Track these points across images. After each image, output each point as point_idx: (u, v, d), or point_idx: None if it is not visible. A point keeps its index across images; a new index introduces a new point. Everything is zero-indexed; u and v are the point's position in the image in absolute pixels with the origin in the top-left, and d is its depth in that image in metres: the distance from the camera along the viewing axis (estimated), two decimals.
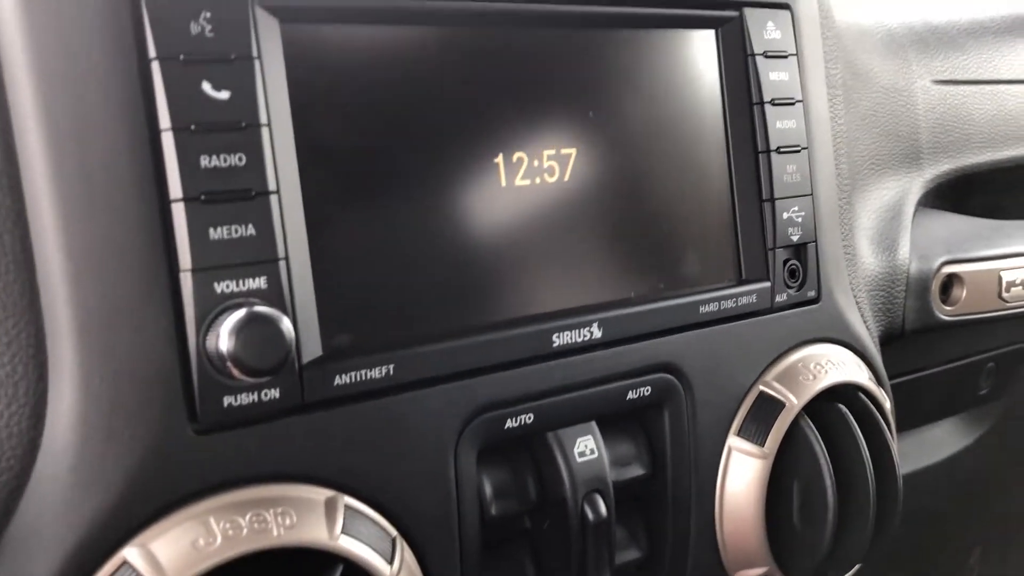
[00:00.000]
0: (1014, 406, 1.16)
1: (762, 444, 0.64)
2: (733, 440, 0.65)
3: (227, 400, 0.47)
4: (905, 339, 0.88)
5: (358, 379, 0.50)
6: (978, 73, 0.99)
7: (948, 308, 0.87)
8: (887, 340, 0.84)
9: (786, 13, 0.68)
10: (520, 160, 0.57)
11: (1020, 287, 0.91)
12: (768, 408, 0.65)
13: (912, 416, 1.08)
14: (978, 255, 0.89)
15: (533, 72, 0.57)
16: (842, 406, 0.67)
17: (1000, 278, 0.90)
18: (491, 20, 0.56)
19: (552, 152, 0.58)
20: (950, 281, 0.88)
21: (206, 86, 0.46)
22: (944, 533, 1.22)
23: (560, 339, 0.57)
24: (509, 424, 0.56)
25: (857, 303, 0.76)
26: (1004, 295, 0.90)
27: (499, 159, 0.56)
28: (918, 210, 0.91)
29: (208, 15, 0.46)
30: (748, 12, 0.65)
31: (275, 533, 0.46)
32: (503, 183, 0.56)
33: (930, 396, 1.07)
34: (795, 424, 0.65)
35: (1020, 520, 1.29)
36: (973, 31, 1.02)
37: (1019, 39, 1.05)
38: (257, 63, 0.48)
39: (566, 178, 0.59)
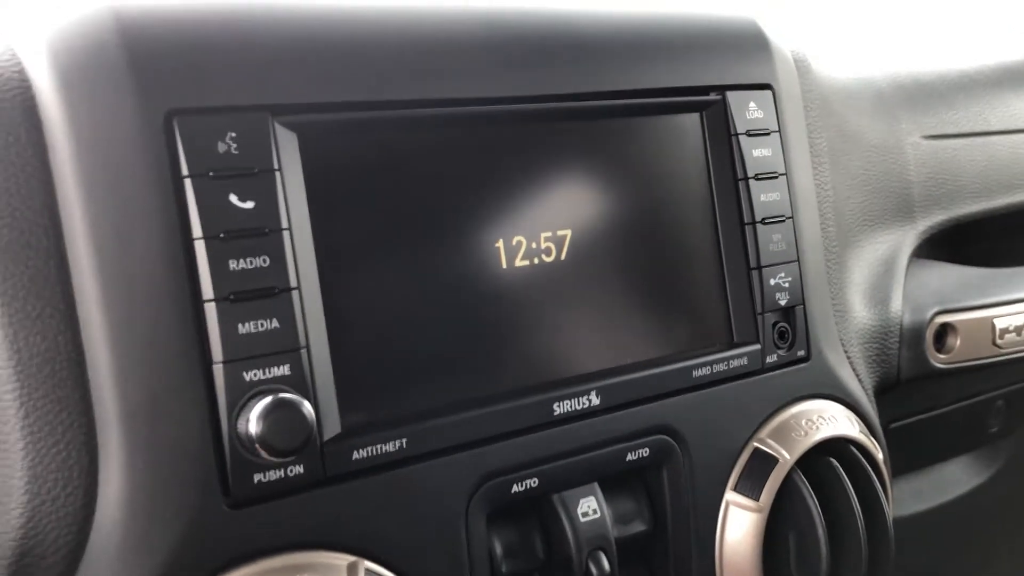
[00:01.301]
0: None
1: (757, 498, 0.69)
2: (730, 495, 0.69)
3: (256, 477, 0.52)
4: (906, 385, 0.91)
5: (374, 453, 0.55)
6: (968, 126, 1.03)
7: (943, 356, 0.91)
8: (883, 390, 0.88)
9: (767, 93, 0.73)
10: (519, 243, 0.62)
11: (1013, 333, 0.94)
12: (762, 464, 0.69)
13: (923, 456, 1.10)
14: (971, 304, 0.93)
15: (528, 163, 0.63)
16: (833, 460, 0.71)
17: (993, 325, 0.93)
18: (488, 120, 0.61)
19: (549, 234, 0.63)
20: (944, 330, 0.91)
21: (233, 197, 0.52)
22: (960, 571, 1.23)
23: (560, 407, 0.62)
24: (515, 488, 0.61)
25: (849, 357, 0.80)
26: (998, 342, 0.93)
27: (499, 243, 0.61)
28: (912, 261, 0.95)
29: (233, 134, 0.52)
30: (731, 95, 0.70)
31: None
32: (504, 265, 0.62)
33: (940, 435, 1.09)
34: (788, 478, 0.69)
35: None
36: (962, 85, 1.06)
37: (1008, 91, 1.08)
38: (278, 174, 0.53)
39: (563, 257, 0.64)
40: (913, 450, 1.06)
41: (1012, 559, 1.27)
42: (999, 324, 0.93)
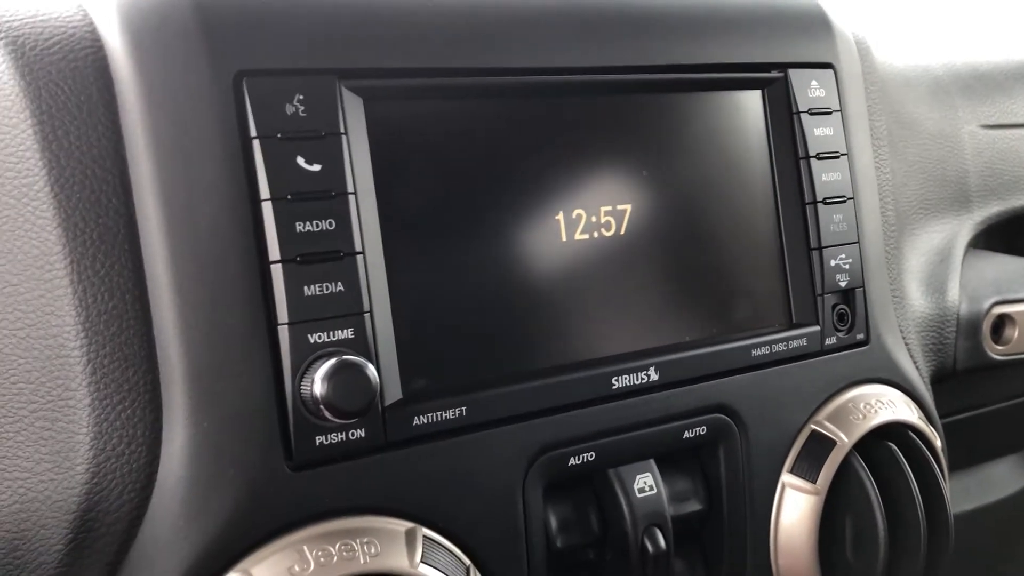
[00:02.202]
0: None
1: (814, 481, 0.68)
2: (786, 477, 0.68)
3: (319, 439, 0.52)
4: (960, 377, 0.90)
5: (434, 420, 0.55)
6: None
7: (1000, 348, 0.89)
8: (939, 379, 0.87)
9: (829, 72, 0.72)
10: (579, 216, 0.62)
11: None
12: (820, 446, 0.68)
13: (972, 453, 1.08)
14: None
15: (590, 136, 0.62)
16: (892, 444, 0.70)
17: None
18: (552, 91, 0.61)
19: (609, 208, 0.63)
20: (1001, 321, 0.90)
21: (300, 160, 0.52)
22: (1004, 571, 1.21)
23: (619, 382, 0.62)
24: (572, 462, 0.60)
25: (907, 344, 0.79)
26: None
27: (560, 216, 0.61)
28: (968, 251, 0.93)
29: (301, 97, 0.52)
30: (792, 73, 0.70)
31: (362, 561, 0.51)
32: (563, 238, 0.61)
33: (989, 433, 1.08)
34: (846, 461, 0.68)
35: None
36: (1020, 75, 1.04)
37: None
38: (344, 138, 0.53)
39: (622, 232, 0.63)
40: (961, 447, 1.04)
41: None
42: None
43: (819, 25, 0.72)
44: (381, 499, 0.54)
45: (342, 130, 0.53)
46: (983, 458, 1.12)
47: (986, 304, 0.89)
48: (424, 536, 0.54)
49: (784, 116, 0.69)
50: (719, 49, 0.67)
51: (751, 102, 0.69)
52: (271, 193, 0.51)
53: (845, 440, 0.68)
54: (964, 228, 0.93)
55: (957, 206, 0.93)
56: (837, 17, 0.75)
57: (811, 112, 0.70)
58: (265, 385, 0.51)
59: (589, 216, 0.62)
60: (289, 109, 0.52)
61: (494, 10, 0.60)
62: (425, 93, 0.57)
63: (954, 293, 0.87)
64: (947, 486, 0.72)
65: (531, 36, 0.60)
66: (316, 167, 0.53)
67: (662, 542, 0.62)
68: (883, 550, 0.67)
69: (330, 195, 0.53)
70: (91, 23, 0.53)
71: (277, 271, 0.51)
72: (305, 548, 0.51)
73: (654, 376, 0.63)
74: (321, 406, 0.51)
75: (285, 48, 0.53)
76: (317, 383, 0.51)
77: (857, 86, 0.75)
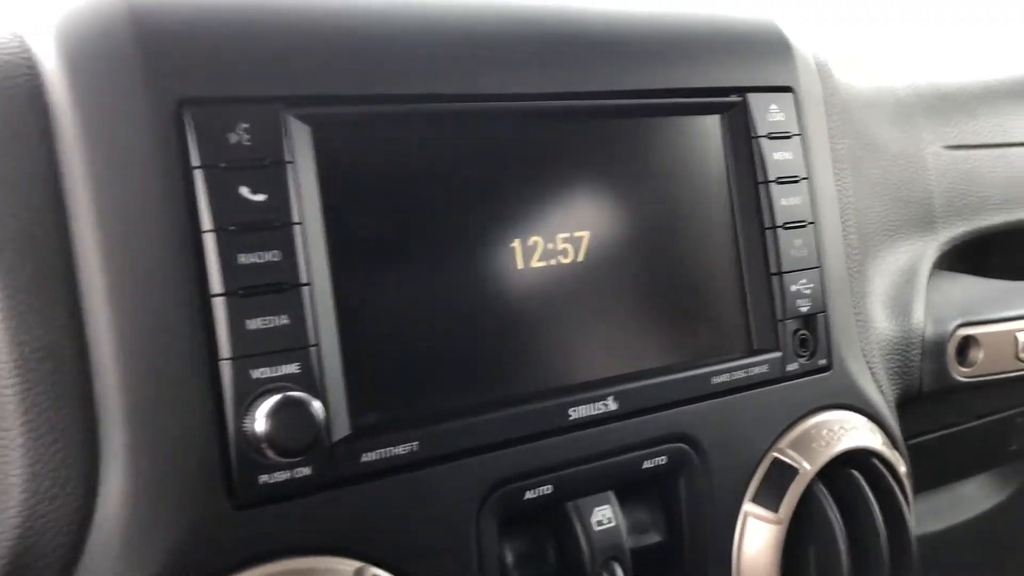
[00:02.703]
0: None
1: (777, 510, 0.67)
2: (748, 506, 0.67)
3: (262, 478, 0.51)
4: (926, 399, 0.89)
5: (384, 455, 0.54)
6: (990, 137, 1.01)
7: (965, 370, 0.89)
8: (905, 402, 0.86)
9: (789, 95, 0.71)
10: (536, 243, 0.61)
11: None
12: (782, 474, 0.67)
13: (942, 473, 1.08)
14: (994, 317, 0.91)
15: (547, 162, 0.61)
16: (855, 472, 0.69)
17: (1016, 339, 0.91)
18: (508, 118, 0.60)
19: (566, 235, 0.62)
20: (966, 343, 0.89)
21: (244, 190, 0.51)
22: None
23: (576, 413, 0.60)
24: (528, 495, 0.59)
25: (871, 368, 0.79)
26: (1021, 355, 0.91)
27: (516, 244, 0.60)
28: (934, 273, 0.93)
29: (245, 125, 0.51)
30: (751, 97, 0.69)
31: None
32: (520, 265, 0.60)
33: (960, 453, 1.07)
34: (809, 490, 0.67)
35: None
36: (983, 96, 1.04)
37: None
38: (290, 167, 0.52)
39: (580, 259, 0.62)
40: (931, 467, 1.04)
41: None
42: (1022, 337, 0.91)
43: (778, 48, 0.72)
44: (328, 538, 0.53)
45: (288, 159, 0.52)
46: (953, 478, 1.12)
47: (951, 326, 0.88)
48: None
49: (743, 141, 0.69)
50: (677, 74, 0.66)
51: (710, 127, 0.68)
52: (213, 224, 0.50)
53: (808, 468, 0.67)
54: (929, 249, 0.93)
55: (922, 227, 0.93)
56: (797, 40, 0.74)
57: (770, 136, 0.69)
58: (206, 422, 0.50)
59: (546, 243, 0.61)
60: (233, 138, 0.51)
61: (447, 35, 0.59)
62: (376, 120, 0.55)
63: (919, 315, 0.87)
64: (911, 513, 0.71)
65: (484, 61, 0.59)
66: (260, 197, 0.51)
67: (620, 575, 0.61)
68: None
69: (274, 225, 0.51)
70: (26, 48, 0.51)
71: (219, 304, 0.50)
72: None
73: (612, 406, 0.62)
74: (263, 444, 0.49)
75: (229, 75, 0.51)
76: (259, 420, 0.49)
77: (818, 109, 0.74)
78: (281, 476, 0.51)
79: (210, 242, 0.50)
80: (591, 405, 0.61)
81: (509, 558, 0.59)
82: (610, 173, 0.64)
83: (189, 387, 0.49)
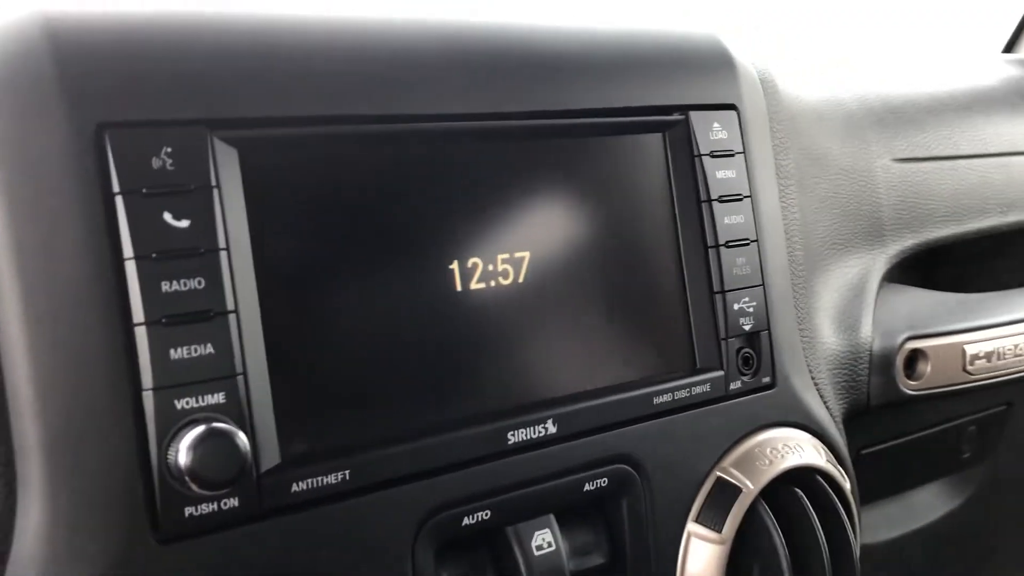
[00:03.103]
0: (997, 469, 1.18)
1: (720, 530, 0.66)
2: (692, 526, 0.67)
3: (188, 510, 0.49)
4: (876, 412, 0.90)
5: (315, 485, 0.53)
6: (938, 150, 1.02)
7: (913, 383, 0.89)
8: (852, 416, 0.86)
9: (732, 113, 0.71)
10: (475, 265, 0.60)
11: (984, 360, 0.92)
12: (725, 494, 0.67)
13: (895, 482, 1.09)
14: (941, 330, 0.91)
15: (486, 182, 0.61)
16: (798, 490, 0.69)
17: (964, 351, 0.92)
18: (444, 138, 0.59)
19: (506, 256, 0.61)
20: (914, 356, 0.90)
21: (167, 216, 0.50)
22: None
23: (515, 436, 0.60)
24: (466, 521, 0.58)
25: (817, 383, 0.79)
26: (968, 368, 0.92)
27: (454, 265, 0.59)
28: (883, 285, 0.93)
29: (169, 150, 0.50)
30: (694, 115, 0.69)
31: None
32: (459, 288, 0.59)
33: (912, 461, 1.08)
34: (752, 509, 0.67)
35: None
36: (932, 108, 1.05)
37: (977, 114, 1.08)
38: (216, 191, 0.51)
39: (520, 280, 0.62)
40: (885, 476, 1.05)
41: None
42: (969, 350, 0.92)
43: (721, 65, 0.72)
44: (259, 571, 0.51)
45: (213, 183, 0.51)
46: (906, 486, 1.13)
47: (899, 339, 0.89)
48: None
49: (686, 159, 0.68)
50: (618, 92, 0.65)
51: (652, 145, 0.68)
52: (135, 251, 0.49)
53: (751, 487, 0.67)
54: (878, 262, 0.94)
55: (871, 240, 0.93)
56: (741, 55, 0.74)
57: (713, 155, 0.69)
58: (128, 454, 0.48)
59: (486, 265, 0.60)
60: (156, 163, 0.50)
61: (379, 54, 0.58)
62: (305, 143, 0.54)
63: (867, 329, 0.87)
64: (856, 529, 0.72)
65: (419, 81, 0.58)
66: (184, 223, 0.50)
67: None
68: None
69: (199, 252, 0.50)
70: None
71: (141, 333, 0.49)
72: None
73: (552, 429, 0.61)
74: (187, 476, 0.48)
75: (151, 98, 0.50)
76: (182, 453, 0.48)
77: (762, 126, 0.74)
78: (207, 508, 0.50)
79: (132, 270, 0.49)
80: (530, 428, 0.60)
81: None
82: (551, 193, 0.63)
83: (110, 418, 0.48)
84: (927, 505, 1.17)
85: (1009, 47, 1.43)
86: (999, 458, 1.17)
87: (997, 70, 1.18)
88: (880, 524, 1.10)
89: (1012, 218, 1.06)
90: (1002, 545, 1.24)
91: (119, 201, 0.49)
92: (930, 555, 1.16)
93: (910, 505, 1.15)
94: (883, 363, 0.87)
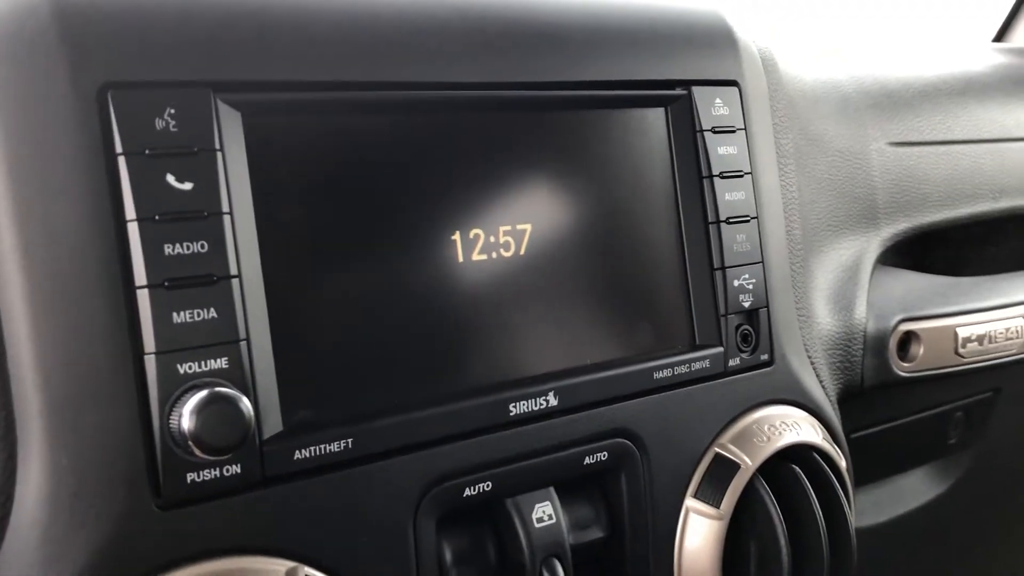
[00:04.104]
0: (984, 455, 1.18)
1: (718, 505, 0.66)
2: (690, 502, 0.67)
3: (190, 476, 0.49)
4: (868, 394, 0.90)
5: (318, 453, 0.52)
6: (932, 135, 1.02)
7: (906, 365, 0.90)
8: (846, 397, 0.87)
9: (733, 90, 0.71)
10: (477, 236, 0.60)
11: (976, 343, 0.93)
12: (723, 470, 0.67)
13: (883, 467, 1.09)
14: (934, 312, 0.92)
15: (488, 153, 0.60)
16: (796, 467, 0.69)
17: (956, 334, 0.92)
18: (448, 107, 0.59)
19: (508, 228, 0.61)
20: (908, 338, 0.90)
21: (170, 178, 0.49)
22: None
23: (516, 408, 0.59)
24: (467, 492, 0.58)
25: (812, 363, 0.79)
26: (960, 351, 0.92)
27: (456, 236, 0.59)
28: (876, 268, 0.94)
29: (172, 111, 0.49)
30: (696, 90, 0.68)
31: None
32: (460, 259, 0.59)
33: (900, 446, 1.09)
34: (750, 485, 0.67)
35: (995, 567, 1.30)
36: (927, 93, 1.06)
37: (971, 100, 1.08)
38: (219, 155, 0.50)
39: (522, 252, 0.61)
40: (873, 461, 1.05)
41: (971, 570, 1.27)
42: (962, 333, 0.92)
43: (724, 41, 0.72)
44: (260, 538, 0.51)
45: (217, 146, 0.50)
46: (894, 471, 1.13)
47: (893, 321, 0.89)
48: None
49: (687, 134, 0.68)
50: (621, 66, 0.65)
51: (654, 120, 0.67)
52: (137, 213, 0.48)
53: (749, 463, 0.67)
54: (872, 245, 0.94)
55: (865, 223, 0.94)
56: (743, 33, 0.74)
57: (715, 130, 0.69)
58: (131, 419, 0.48)
59: (487, 236, 0.60)
60: (159, 124, 0.49)
61: (386, 21, 0.57)
62: (310, 108, 0.54)
63: (861, 311, 0.88)
64: (851, 507, 0.72)
65: (426, 49, 0.58)
66: (187, 185, 0.49)
67: (561, 573, 0.60)
68: (786, 572, 0.66)
69: (202, 215, 0.49)
70: None
71: (144, 296, 0.48)
72: None
73: (553, 401, 0.61)
74: (190, 441, 0.47)
75: (155, 59, 0.49)
76: (185, 417, 0.47)
77: (762, 103, 0.74)
78: (209, 475, 0.49)
79: (134, 232, 0.48)
80: (531, 401, 0.60)
81: (448, 556, 0.58)
82: (553, 166, 0.63)
83: (112, 382, 0.48)
84: (914, 490, 1.17)
85: (999, 36, 1.44)
86: (985, 444, 1.18)
87: (989, 58, 1.19)
88: (867, 509, 1.10)
89: (1004, 204, 1.07)
90: (987, 530, 1.25)
91: (122, 162, 0.48)
92: (916, 540, 1.17)
93: (897, 490, 1.16)
94: (877, 344, 0.88)
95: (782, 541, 0.66)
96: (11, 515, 0.47)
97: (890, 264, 1.01)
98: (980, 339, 0.94)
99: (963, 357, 0.93)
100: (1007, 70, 1.16)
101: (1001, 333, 0.95)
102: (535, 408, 0.60)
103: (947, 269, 1.05)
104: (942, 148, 1.03)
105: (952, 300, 0.94)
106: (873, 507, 1.12)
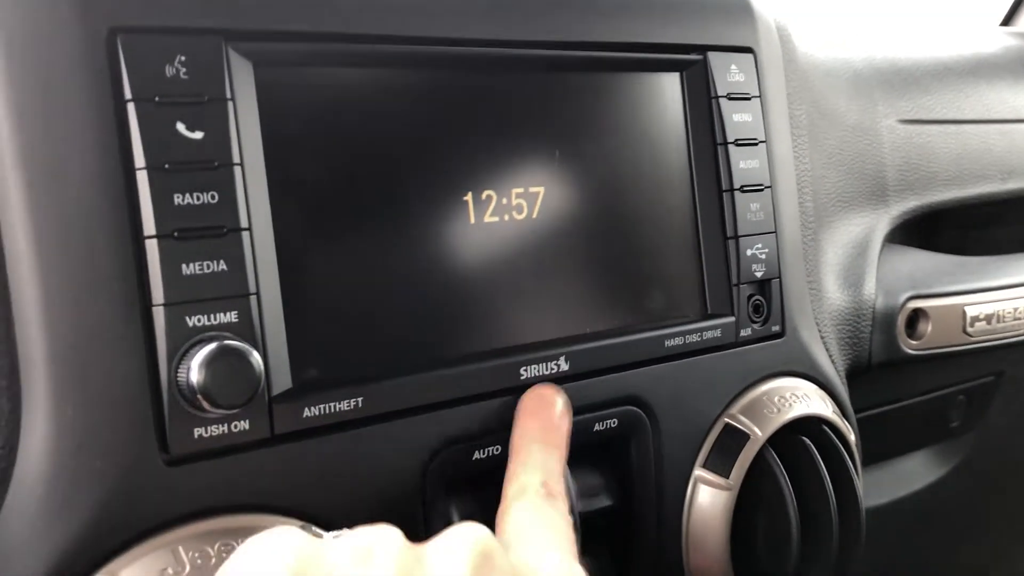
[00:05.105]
0: (985, 438, 1.18)
1: (727, 476, 0.66)
2: (699, 471, 0.67)
3: (197, 431, 0.48)
4: (874, 372, 0.90)
5: (327, 411, 0.51)
6: (943, 113, 1.02)
7: (914, 342, 0.89)
8: (854, 373, 0.86)
9: (749, 56, 0.70)
10: (489, 198, 0.59)
11: (983, 322, 0.93)
12: (733, 440, 0.67)
13: (885, 448, 1.09)
14: (943, 290, 0.91)
15: (502, 113, 0.59)
16: (806, 439, 0.68)
17: (964, 313, 0.92)
18: (463, 64, 0.58)
19: (520, 190, 0.60)
20: (916, 316, 0.89)
21: (180, 126, 0.48)
22: (920, 564, 1.23)
23: (528, 372, 0.59)
24: (477, 456, 0.57)
25: (823, 337, 0.78)
26: (968, 330, 0.92)
27: (468, 197, 0.58)
28: (885, 246, 0.93)
29: (183, 58, 0.48)
30: (712, 56, 0.67)
31: None
32: (472, 220, 0.58)
33: (902, 428, 1.08)
34: (760, 456, 0.67)
35: (995, 550, 1.30)
36: (937, 72, 1.05)
37: (981, 80, 1.08)
38: (230, 104, 0.49)
39: (534, 215, 0.60)
40: (876, 441, 1.05)
41: (970, 554, 1.27)
42: (970, 312, 0.92)
43: (740, 8, 0.71)
44: (267, 496, 0.50)
45: (228, 95, 0.49)
46: (896, 452, 1.13)
47: (901, 298, 0.88)
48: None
49: (702, 100, 0.67)
50: (637, 28, 0.64)
51: (669, 85, 0.66)
52: (147, 161, 0.47)
53: (759, 434, 0.67)
54: (881, 222, 0.93)
55: (875, 200, 0.93)
56: (758, 1, 0.73)
57: (730, 97, 0.68)
58: (138, 371, 0.47)
59: (500, 198, 0.59)
60: (169, 71, 0.48)
61: None
62: (323, 60, 0.53)
63: (870, 287, 0.87)
64: (859, 480, 0.71)
65: (442, 4, 0.57)
66: (198, 134, 0.48)
67: None
68: (795, 544, 0.65)
69: (213, 165, 0.48)
70: None
71: (152, 247, 0.47)
72: (180, 548, 0.47)
73: (564, 366, 0.60)
74: (199, 395, 0.46)
75: (166, 4, 0.48)
76: (194, 370, 0.46)
77: (777, 72, 0.73)
78: (217, 430, 0.48)
79: (143, 180, 0.47)
80: (543, 365, 0.59)
81: (456, 519, 0.57)
82: (568, 128, 0.62)
83: (119, 333, 0.47)
84: (915, 472, 1.17)
85: (1007, 20, 1.44)
86: (987, 428, 1.18)
87: (1000, 39, 1.18)
88: (869, 489, 1.10)
89: (1012, 185, 1.06)
90: (987, 513, 1.25)
91: (131, 108, 0.47)
92: (917, 522, 1.16)
93: (899, 472, 1.15)
94: (885, 321, 0.87)
95: (791, 512, 0.65)
96: (15, 466, 0.46)
97: (898, 242, 1.00)
98: (988, 318, 0.93)
99: (971, 336, 0.92)
100: (1018, 52, 1.15)
101: (1009, 313, 0.94)
102: (546, 372, 0.59)
103: (954, 250, 1.04)
104: (952, 127, 1.02)
105: (961, 279, 0.94)
106: (874, 488, 1.12)
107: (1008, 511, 1.27)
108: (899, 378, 0.99)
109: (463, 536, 0.41)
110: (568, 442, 0.56)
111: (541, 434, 0.54)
